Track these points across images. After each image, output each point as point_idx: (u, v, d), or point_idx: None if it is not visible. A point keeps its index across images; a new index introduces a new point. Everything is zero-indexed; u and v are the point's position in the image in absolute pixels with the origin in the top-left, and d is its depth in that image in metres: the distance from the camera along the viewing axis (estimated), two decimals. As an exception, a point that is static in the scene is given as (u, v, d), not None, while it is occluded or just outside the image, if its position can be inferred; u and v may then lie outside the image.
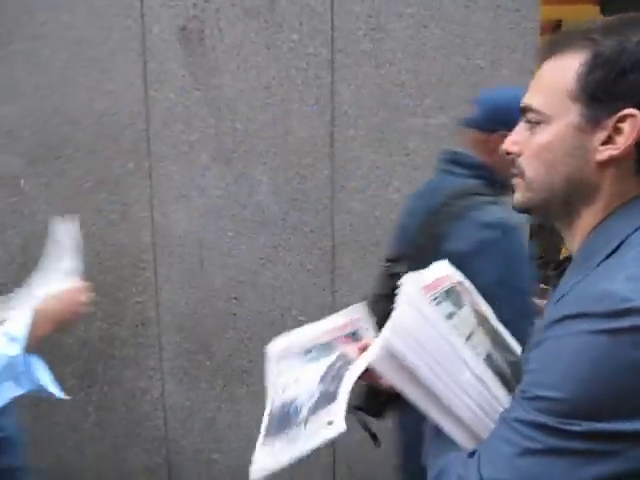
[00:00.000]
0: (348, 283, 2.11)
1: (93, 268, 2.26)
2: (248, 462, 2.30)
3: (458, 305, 0.83)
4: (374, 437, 1.26)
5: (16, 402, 1.12)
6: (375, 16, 1.94)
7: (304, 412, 0.85)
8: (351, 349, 0.93)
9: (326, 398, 0.84)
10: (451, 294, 0.84)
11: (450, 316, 0.77)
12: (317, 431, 0.79)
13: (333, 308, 2.12)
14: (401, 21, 1.93)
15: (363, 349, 0.86)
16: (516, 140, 0.73)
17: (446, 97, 1.96)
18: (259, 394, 2.21)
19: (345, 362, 0.92)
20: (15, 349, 1.05)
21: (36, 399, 2.40)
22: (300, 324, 2.12)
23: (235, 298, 2.19)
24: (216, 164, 2.12)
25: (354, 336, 1.04)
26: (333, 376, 0.89)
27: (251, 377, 2.22)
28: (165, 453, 2.37)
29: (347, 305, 2.06)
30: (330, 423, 0.79)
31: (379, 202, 2.05)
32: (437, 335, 0.71)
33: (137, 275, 2.24)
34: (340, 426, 0.76)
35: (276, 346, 1.10)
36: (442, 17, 1.90)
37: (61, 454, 2.47)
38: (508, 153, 0.74)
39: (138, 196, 2.19)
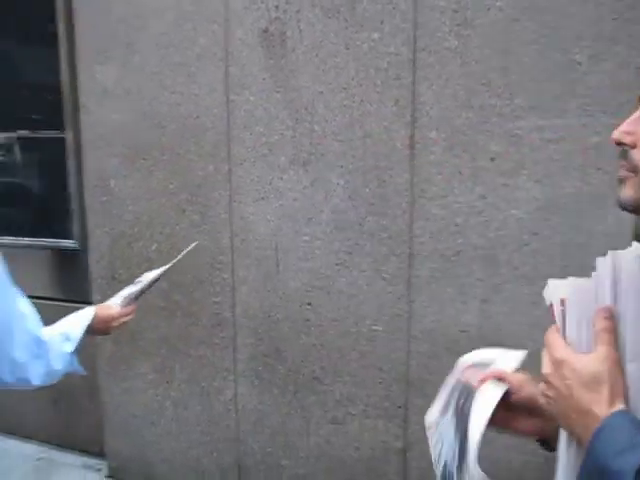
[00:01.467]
0: (426, 293, 2.03)
1: (174, 267, 2.35)
2: (316, 471, 2.27)
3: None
4: None
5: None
6: (461, 11, 1.85)
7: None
8: (472, 375, 0.86)
9: (462, 449, 0.81)
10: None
11: None
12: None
13: (409, 319, 2.05)
14: (489, 15, 1.82)
15: (486, 379, 0.83)
16: (630, 130, 0.67)
17: (538, 96, 1.83)
18: (328, 403, 2.20)
19: (467, 393, 0.86)
20: (68, 347, 1.26)
21: (117, 392, 2.53)
22: (374, 333, 2.09)
23: (309, 304, 2.18)
24: (293, 167, 2.13)
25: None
26: (459, 415, 0.85)
27: (322, 385, 2.20)
28: (236, 454, 2.41)
29: (423, 316, 2.00)
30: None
31: (461, 209, 1.95)
32: None
33: (214, 276, 2.29)
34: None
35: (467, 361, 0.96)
36: (535, 9, 1.78)
37: (139, 446, 2.59)
38: (619, 143, 0.68)
39: (218, 198, 2.25)
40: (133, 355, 2.52)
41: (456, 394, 0.88)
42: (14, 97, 3.18)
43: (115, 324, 1.44)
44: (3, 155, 3.26)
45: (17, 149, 3.29)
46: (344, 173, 2.06)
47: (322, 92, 2.05)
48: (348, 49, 2.00)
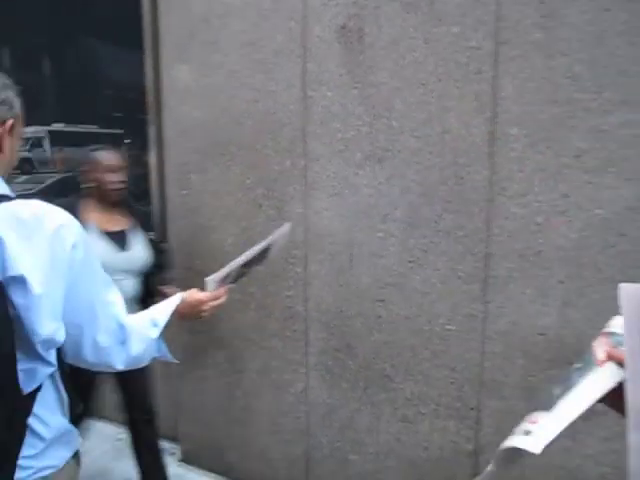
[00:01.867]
0: (503, 294, 1.98)
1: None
2: (384, 468, 2.27)
3: None
4: None
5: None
6: (547, 2, 1.79)
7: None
8: (600, 346, 0.76)
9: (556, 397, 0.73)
10: None
11: None
12: (517, 433, 0.73)
13: (484, 319, 2.01)
14: (578, 5, 1.75)
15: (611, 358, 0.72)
16: None
17: (630, 90, 1.74)
18: (399, 401, 2.19)
19: (585, 365, 0.75)
20: (154, 332, 1.28)
21: (191, 379, 2.62)
22: (447, 333, 2.06)
23: (381, 300, 2.18)
24: (369, 163, 2.13)
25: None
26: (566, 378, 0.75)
27: (392, 382, 2.20)
28: (304, 446, 2.45)
29: (499, 317, 1.96)
30: (527, 433, 0.72)
31: (542, 208, 1.89)
32: None
33: (288, 270, 2.33)
34: (534, 447, 0.69)
35: None
36: (629, -1, 1.69)
37: (211, 432, 2.68)
38: None
39: (293, 193, 2.28)
40: (208, 344, 2.61)
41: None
42: (103, 95, 3.36)
43: (205, 307, 1.41)
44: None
45: (103, 144, 3.48)
46: (421, 170, 2.04)
47: (400, 88, 2.04)
48: (427, 44, 1.98)
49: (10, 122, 1.12)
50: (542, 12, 1.82)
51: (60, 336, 1.03)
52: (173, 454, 2.91)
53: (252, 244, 2.40)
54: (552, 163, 1.87)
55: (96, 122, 3.41)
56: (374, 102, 2.10)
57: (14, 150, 1.17)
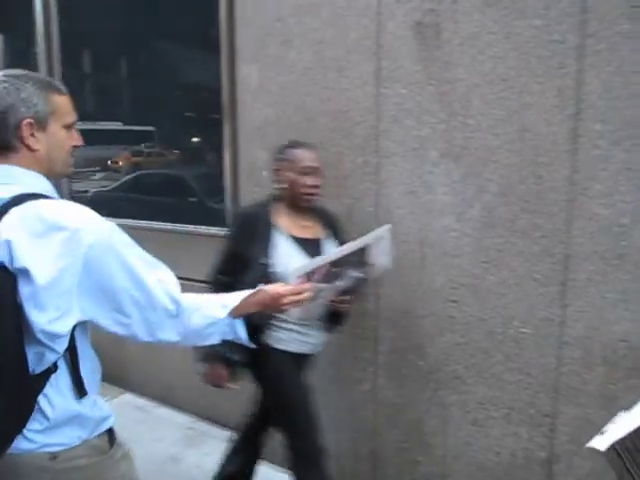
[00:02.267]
0: (582, 298, 1.91)
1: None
2: (453, 471, 2.24)
3: None
4: None
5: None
6: (639, -8, 1.70)
7: None
8: None
9: None
10: None
11: None
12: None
13: (561, 323, 1.94)
14: (674, -5, 1.66)
15: None
16: None
17: None
18: (469, 404, 2.15)
19: None
20: (222, 313, 1.32)
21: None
22: (522, 336, 2.00)
23: (454, 301, 2.15)
24: (444, 161, 2.10)
25: None
26: None
27: (464, 385, 2.16)
28: (372, 445, 2.45)
29: (577, 322, 1.89)
30: (602, 433, 0.75)
31: (627, 209, 1.81)
32: None
33: (358, 268, 2.33)
34: (601, 445, 0.72)
35: None
36: None
37: (281, 427, 2.71)
38: None
39: (365, 191, 2.28)
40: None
41: None
42: (178, 96, 3.47)
43: (285, 301, 1.41)
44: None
45: (179, 144, 3.59)
46: (498, 168, 1.99)
47: (478, 84, 2.00)
48: (508, 38, 1.93)
49: (27, 121, 1.17)
50: (632, 2, 1.74)
51: (59, 328, 1.10)
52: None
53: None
54: (639, 161, 1.78)
55: (164, 122, 3.54)
56: (450, 99, 2.07)
57: (54, 147, 1.22)
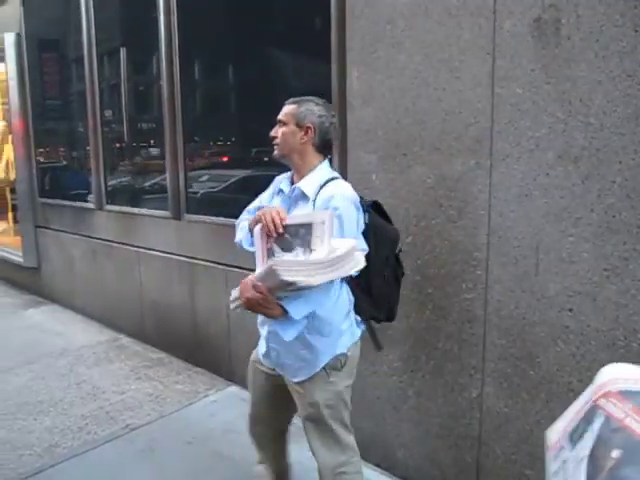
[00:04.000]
0: None
1: (429, 261, 2.41)
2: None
3: None
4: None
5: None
6: None
7: None
8: (630, 415, 0.61)
9: None
10: None
11: None
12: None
13: (696, 338, 1.79)
14: None
15: None
16: None
17: None
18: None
19: (623, 443, 0.59)
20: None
21: (364, 374, 2.68)
22: (649, 350, 1.87)
23: (570, 310, 2.04)
24: (562, 162, 2.01)
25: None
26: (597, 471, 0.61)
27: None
28: (476, 454, 2.39)
29: None
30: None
31: None
32: None
33: (468, 272, 2.29)
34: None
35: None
36: None
37: (381, 427, 2.72)
38: None
39: (477, 194, 2.23)
40: (382, 341, 2.65)
41: (595, 429, 0.62)
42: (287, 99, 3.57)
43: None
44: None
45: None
46: (623, 170, 1.87)
47: (601, 81, 1.89)
48: (637, 31, 1.81)
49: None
50: None
51: None
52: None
53: (431, 244, 2.40)
54: None
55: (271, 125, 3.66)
56: (570, 97, 1.98)
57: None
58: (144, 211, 4.54)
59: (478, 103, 2.21)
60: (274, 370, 2.05)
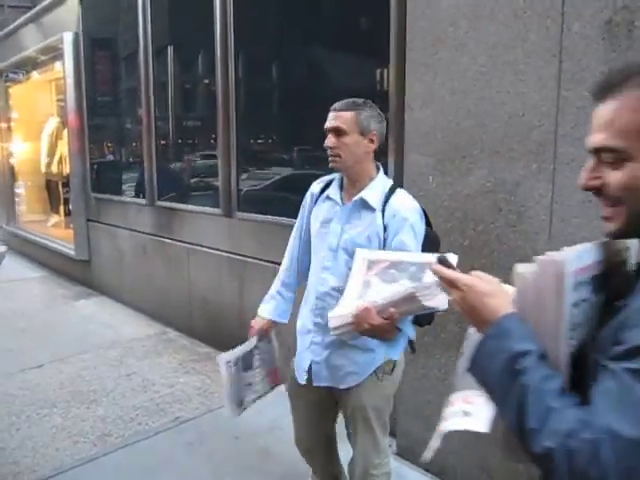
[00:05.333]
0: None
1: (486, 265, 2.39)
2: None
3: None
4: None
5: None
6: None
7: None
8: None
9: None
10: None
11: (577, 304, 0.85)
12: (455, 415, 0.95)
13: None
14: None
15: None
16: (594, 176, 0.91)
17: None
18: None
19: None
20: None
21: (414, 377, 2.67)
22: None
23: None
24: (630, 169, 1.96)
25: None
26: None
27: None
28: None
29: None
30: (467, 414, 0.93)
31: None
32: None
33: (526, 278, 2.26)
34: (483, 427, 0.91)
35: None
36: None
37: (430, 431, 2.69)
38: (587, 189, 0.92)
39: (538, 199, 2.21)
40: (434, 344, 2.65)
41: None
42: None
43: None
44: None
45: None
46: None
47: (677, 86, 1.84)
48: None
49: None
50: None
51: None
52: (389, 446, 3.01)
53: (489, 249, 2.38)
54: None
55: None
56: (642, 102, 1.93)
57: None
58: (195, 208, 4.64)
59: (543, 106, 2.18)
60: (312, 382, 2.03)
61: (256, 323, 2.19)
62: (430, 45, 2.55)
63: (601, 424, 0.72)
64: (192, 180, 5.05)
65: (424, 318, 2.01)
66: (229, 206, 4.18)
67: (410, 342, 2.05)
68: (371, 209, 1.87)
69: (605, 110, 0.85)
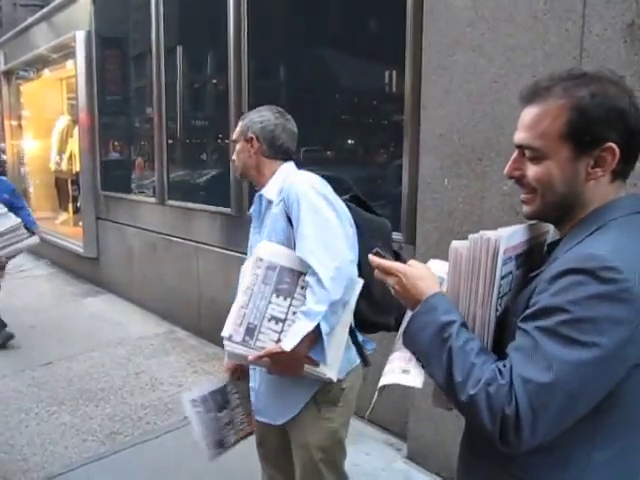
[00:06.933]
0: None
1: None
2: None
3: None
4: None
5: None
6: None
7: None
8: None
9: None
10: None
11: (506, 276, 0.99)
12: (395, 371, 1.04)
13: None
14: None
15: None
16: (516, 167, 1.02)
17: None
18: None
19: None
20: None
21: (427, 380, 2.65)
22: None
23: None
24: (651, 173, 1.93)
25: None
26: None
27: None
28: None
29: None
30: (406, 372, 1.02)
31: None
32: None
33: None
34: (419, 383, 1.01)
35: None
36: None
37: (441, 435, 2.68)
38: (511, 177, 1.04)
39: (555, 202, 2.17)
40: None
41: None
42: (358, 102, 3.57)
43: None
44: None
45: (357, 149, 3.69)
46: None
47: (701, 90, 1.82)
48: None
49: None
50: None
51: None
52: (399, 450, 2.99)
53: (505, 252, 2.35)
54: None
55: (343, 127, 3.65)
56: (664, 106, 1.90)
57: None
58: (206, 207, 4.63)
59: (563, 109, 2.15)
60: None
61: (228, 362, 2.00)
62: (447, 46, 2.53)
63: (515, 372, 0.87)
64: (203, 179, 5.03)
65: (388, 318, 1.72)
66: (240, 206, 4.16)
67: (361, 353, 1.78)
68: (272, 203, 1.74)
69: (531, 113, 0.98)
